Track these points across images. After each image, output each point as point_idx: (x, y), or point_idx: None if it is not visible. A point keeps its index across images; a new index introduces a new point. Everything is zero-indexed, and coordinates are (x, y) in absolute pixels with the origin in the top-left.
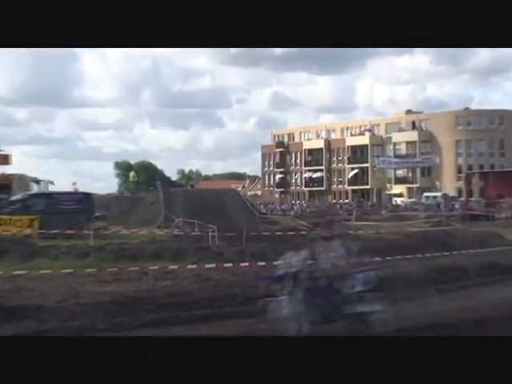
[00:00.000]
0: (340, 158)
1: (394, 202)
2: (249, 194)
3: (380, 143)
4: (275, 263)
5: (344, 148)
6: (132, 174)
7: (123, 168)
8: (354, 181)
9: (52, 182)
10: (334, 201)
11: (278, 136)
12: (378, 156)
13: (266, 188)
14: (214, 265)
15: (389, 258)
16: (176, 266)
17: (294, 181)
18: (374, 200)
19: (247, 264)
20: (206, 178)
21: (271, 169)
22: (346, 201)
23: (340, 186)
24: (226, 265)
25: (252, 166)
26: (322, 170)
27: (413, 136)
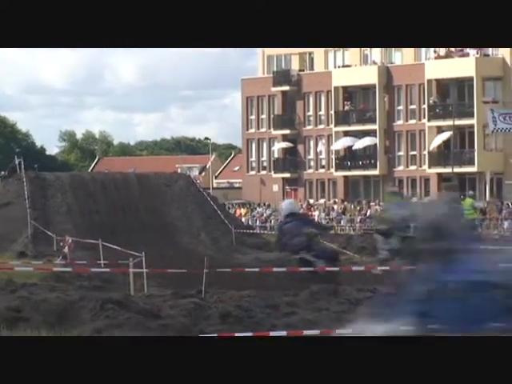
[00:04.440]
0: (413, 108)
1: None
2: (215, 183)
3: (500, 76)
4: None
5: (421, 85)
6: None
7: None
8: (442, 156)
9: None
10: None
11: (277, 59)
12: (493, 102)
13: (253, 172)
14: None
15: None
16: None
17: (312, 156)
18: (488, 195)
19: None
20: (123, 149)
21: (263, 130)
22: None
23: (413, 168)
24: None
25: (221, 123)
26: (374, 133)
27: None
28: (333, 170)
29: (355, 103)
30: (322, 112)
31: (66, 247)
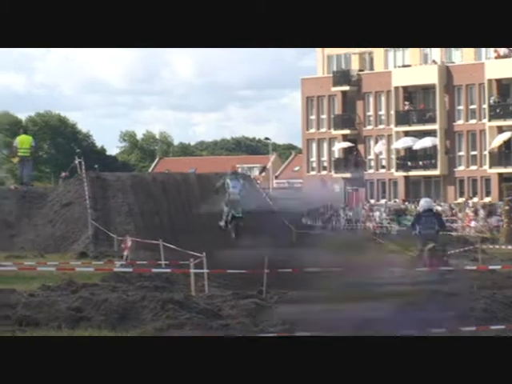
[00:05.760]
0: (473, 108)
1: None
2: (275, 183)
3: None
4: None
5: (481, 85)
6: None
7: (2, 129)
8: (503, 156)
9: None
10: (463, 199)
11: (337, 59)
12: None
13: (314, 172)
14: None
15: None
16: None
17: (372, 156)
18: None
19: None
20: (183, 149)
21: (324, 130)
22: (487, 199)
23: (474, 168)
24: None
25: (280, 123)
26: (434, 133)
27: None
28: (393, 170)
29: (415, 103)
30: (382, 112)
31: (126, 250)
